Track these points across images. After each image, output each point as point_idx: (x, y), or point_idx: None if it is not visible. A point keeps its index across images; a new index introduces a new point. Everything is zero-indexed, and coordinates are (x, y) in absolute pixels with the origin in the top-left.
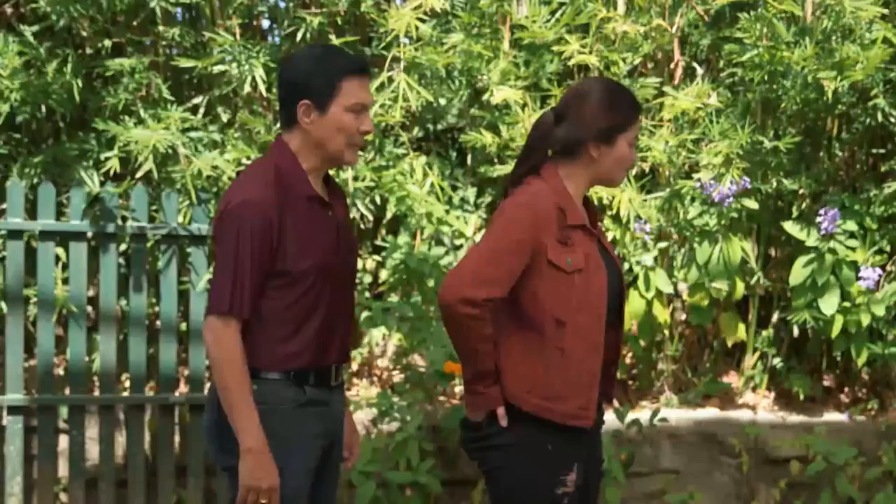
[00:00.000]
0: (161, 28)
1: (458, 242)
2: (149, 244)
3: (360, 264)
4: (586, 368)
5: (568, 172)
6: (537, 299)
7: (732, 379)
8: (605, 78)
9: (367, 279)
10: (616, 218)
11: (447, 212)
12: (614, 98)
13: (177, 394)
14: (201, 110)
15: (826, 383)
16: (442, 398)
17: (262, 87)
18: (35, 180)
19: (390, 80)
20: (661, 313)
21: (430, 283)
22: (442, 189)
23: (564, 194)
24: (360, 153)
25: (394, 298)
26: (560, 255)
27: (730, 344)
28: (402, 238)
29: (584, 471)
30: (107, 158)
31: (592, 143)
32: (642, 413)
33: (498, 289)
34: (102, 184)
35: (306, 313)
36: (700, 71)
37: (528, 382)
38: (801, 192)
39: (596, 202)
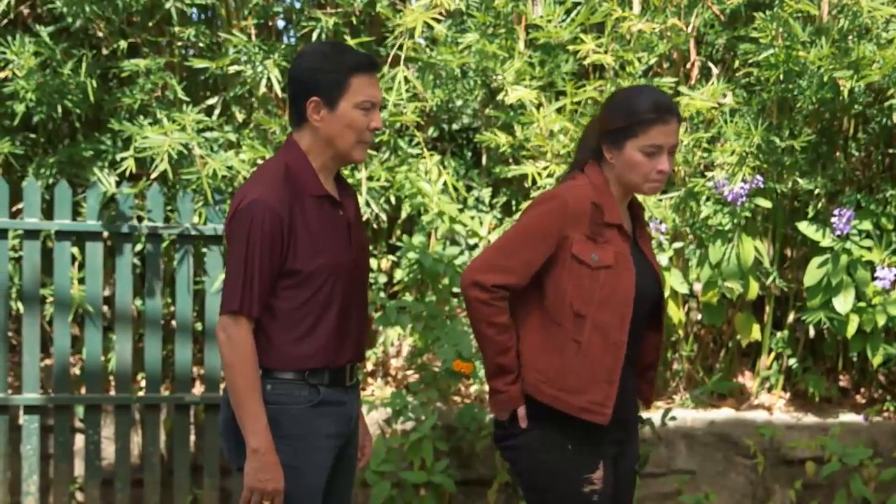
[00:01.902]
0: (177, 29)
1: (472, 242)
2: (164, 244)
3: (375, 264)
4: (603, 365)
5: (608, 174)
6: (559, 290)
7: (747, 379)
8: (644, 84)
9: (382, 279)
10: None
11: (461, 210)
12: (626, 100)
13: (192, 393)
14: (217, 111)
15: (842, 384)
16: (456, 398)
17: (277, 88)
18: (51, 180)
19: (400, 78)
20: (676, 313)
21: (445, 281)
22: (456, 189)
23: (605, 192)
24: (374, 152)
25: (408, 298)
26: (586, 250)
27: (744, 344)
28: (417, 238)
29: (617, 468)
30: (122, 159)
31: (605, 145)
32: (657, 413)
33: (511, 276)
34: (118, 184)
35: (319, 312)
36: (715, 71)
37: (544, 374)
38: (816, 192)
39: None
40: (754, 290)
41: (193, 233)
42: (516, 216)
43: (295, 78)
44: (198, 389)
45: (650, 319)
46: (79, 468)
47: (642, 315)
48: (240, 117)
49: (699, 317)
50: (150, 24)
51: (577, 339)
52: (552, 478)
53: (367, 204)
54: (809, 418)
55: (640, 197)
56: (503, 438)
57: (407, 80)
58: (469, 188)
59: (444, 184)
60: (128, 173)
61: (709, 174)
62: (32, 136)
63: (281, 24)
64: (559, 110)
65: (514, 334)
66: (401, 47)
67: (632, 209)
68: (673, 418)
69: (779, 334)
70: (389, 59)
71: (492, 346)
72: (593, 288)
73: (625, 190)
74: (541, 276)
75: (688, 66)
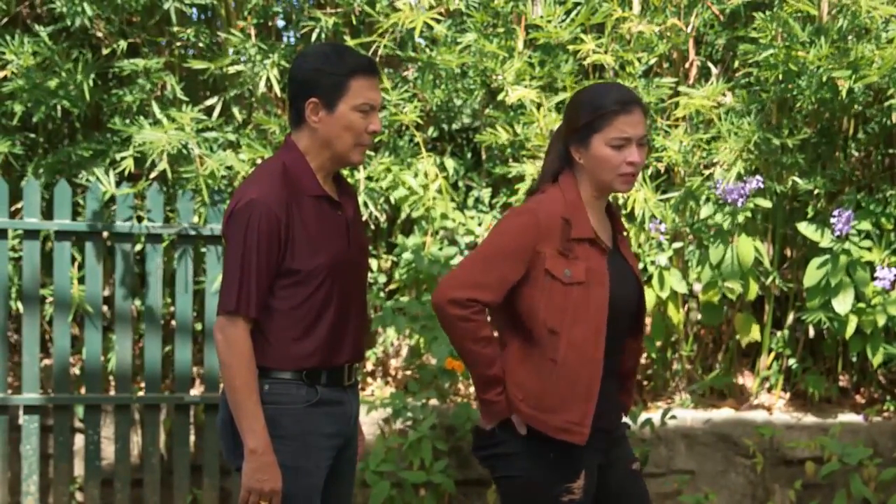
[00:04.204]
0: (176, 29)
1: (468, 240)
2: (163, 244)
3: (374, 264)
4: (581, 382)
5: (578, 180)
6: (532, 307)
7: (747, 379)
8: (605, 81)
9: (382, 279)
10: (631, 217)
11: (457, 209)
12: (587, 98)
13: (192, 393)
14: (217, 110)
15: (841, 384)
16: (456, 398)
17: (276, 88)
18: (50, 180)
19: (404, 80)
20: (676, 313)
21: None
22: (456, 187)
23: (576, 205)
24: (369, 153)
25: (405, 298)
26: (558, 265)
27: (744, 344)
28: (416, 238)
29: (605, 476)
30: (122, 158)
31: (573, 146)
32: (657, 413)
33: (486, 293)
34: (118, 184)
35: (317, 312)
36: (715, 71)
37: (522, 391)
38: (816, 192)
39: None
40: (754, 290)
41: (193, 233)
42: None
43: (295, 78)
44: (197, 389)
45: (630, 327)
46: (79, 468)
47: (622, 327)
48: (239, 117)
49: (699, 317)
50: (150, 24)
51: (553, 357)
52: (532, 486)
53: (365, 205)
54: (809, 418)
55: (640, 197)
56: (484, 447)
57: (406, 80)
58: (469, 188)
59: (438, 184)
60: (127, 173)
61: (707, 173)
62: (32, 135)
63: (281, 23)
64: (559, 110)
65: (497, 344)
66: (398, 43)
67: (609, 213)
68: (673, 417)
69: (778, 334)
70: (377, 57)
71: (480, 361)
72: (566, 304)
73: (599, 192)
74: (512, 295)
75: (687, 66)
